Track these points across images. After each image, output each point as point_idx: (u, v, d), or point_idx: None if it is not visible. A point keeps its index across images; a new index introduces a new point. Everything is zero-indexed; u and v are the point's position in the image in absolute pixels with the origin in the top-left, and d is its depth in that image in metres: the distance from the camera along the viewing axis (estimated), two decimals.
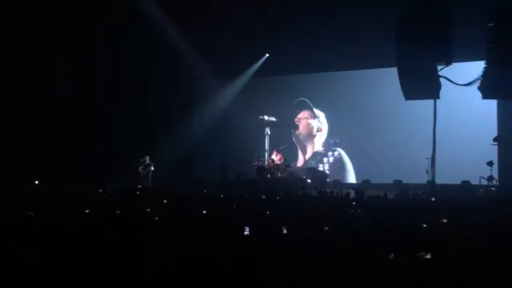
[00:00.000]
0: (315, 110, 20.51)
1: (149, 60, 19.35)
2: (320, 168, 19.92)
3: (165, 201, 8.85)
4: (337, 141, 20.05)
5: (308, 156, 20.79)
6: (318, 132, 20.58)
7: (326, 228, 4.61)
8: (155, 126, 19.93)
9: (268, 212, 6.47)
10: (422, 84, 11.97)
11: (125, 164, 18.33)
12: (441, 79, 11.87)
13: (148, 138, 19.41)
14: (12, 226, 5.20)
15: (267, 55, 20.36)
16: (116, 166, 18.05)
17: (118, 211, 6.67)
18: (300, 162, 20.80)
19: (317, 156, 20.58)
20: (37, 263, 3.47)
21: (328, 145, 20.36)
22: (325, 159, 20.31)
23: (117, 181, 15.92)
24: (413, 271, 3.37)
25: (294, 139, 20.81)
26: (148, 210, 6.83)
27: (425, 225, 4.88)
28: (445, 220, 5.36)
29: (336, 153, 20.10)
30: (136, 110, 19.98)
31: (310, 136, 20.76)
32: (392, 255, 3.73)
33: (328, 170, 19.85)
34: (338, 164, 20.05)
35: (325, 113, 20.44)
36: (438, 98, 12.46)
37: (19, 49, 17.53)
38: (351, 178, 19.64)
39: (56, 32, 17.93)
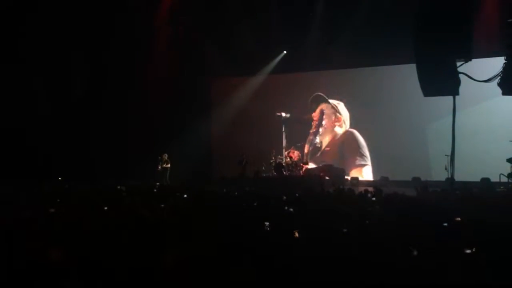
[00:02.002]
0: (331, 101, 20.43)
1: (167, 58, 19.44)
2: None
3: (185, 196, 8.89)
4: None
5: (324, 145, 20.68)
6: (337, 123, 20.47)
7: (345, 230, 4.58)
8: (173, 124, 20.04)
9: (287, 208, 6.47)
10: (441, 81, 11.84)
11: (144, 162, 18.45)
12: (460, 75, 11.75)
13: (166, 136, 19.53)
14: (35, 223, 5.26)
15: (285, 52, 20.35)
16: (135, 164, 18.20)
17: (136, 209, 6.71)
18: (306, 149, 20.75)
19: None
20: (60, 261, 3.50)
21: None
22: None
23: (135, 179, 16.02)
24: (435, 270, 3.34)
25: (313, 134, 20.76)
26: (164, 208, 6.86)
27: (445, 224, 4.83)
28: (458, 219, 5.31)
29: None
30: (155, 108, 20.12)
31: (330, 130, 20.66)
32: (415, 253, 3.71)
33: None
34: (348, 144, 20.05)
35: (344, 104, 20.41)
36: (458, 94, 12.30)
37: (36, 49, 17.75)
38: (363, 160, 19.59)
39: (72, 31, 18.10)
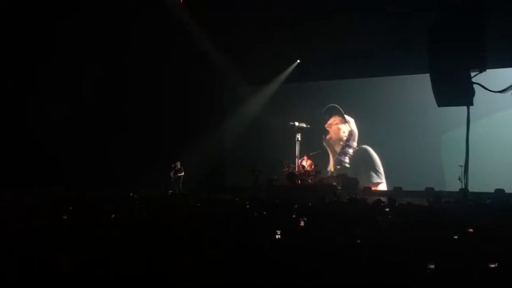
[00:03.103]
0: (345, 116, 20.43)
1: (181, 67, 19.55)
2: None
3: (198, 205, 8.93)
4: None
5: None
6: (350, 136, 20.46)
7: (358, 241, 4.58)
8: (186, 132, 20.12)
9: (300, 220, 6.47)
10: (455, 91, 11.78)
11: (156, 169, 18.53)
12: (475, 86, 11.69)
13: (179, 144, 19.60)
14: (48, 230, 5.31)
15: (298, 61, 20.38)
16: (148, 172, 18.28)
17: (148, 216, 6.76)
18: (331, 167, 20.71)
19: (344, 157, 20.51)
20: (70, 267, 3.54)
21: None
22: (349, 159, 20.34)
23: (148, 187, 16.09)
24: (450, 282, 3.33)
25: (325, 144, 20.73)
26: (177, 215, 6.89)
27: (456, 237, 4.80)
28: (471, 230, 5.28)
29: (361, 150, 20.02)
30: (168, 116, 20.25)
31: (341, 141, 20.65)
32: (432, 266, 3.69)
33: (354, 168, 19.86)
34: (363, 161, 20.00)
35: (355, 119, 20.33)
36: (472, 105, 12.24)
37: (47, 54, 17.97)
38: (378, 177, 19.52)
39: (85, 36, 18.28)
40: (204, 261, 3.49)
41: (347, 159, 20.42)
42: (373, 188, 18.91)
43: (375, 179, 19.53)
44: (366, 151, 19.97)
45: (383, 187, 19.23)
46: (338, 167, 20.47)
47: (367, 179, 19.53)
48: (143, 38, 18.67)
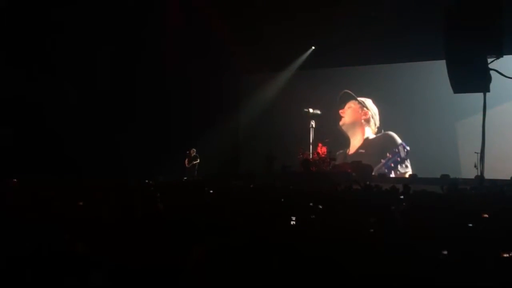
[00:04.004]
0: (359, 99, 20.33)
1: (195, 54, 19.56)
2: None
3: (211, 192, 8.97)
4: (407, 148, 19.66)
5: (358, 144, 20.58)
6: (364, 117, 20.37)
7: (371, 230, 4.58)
8: (201, 119, 20.17)
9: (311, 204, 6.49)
10: (471, 77, 11.67)
11: (172, 157, 18.62)
12: (491, 72, 11.58)
13: (194, 132, 19.67)
14: (65, 216, 5.38)
15: (313, 48, 20.30)
16: (164, 160, 18.38)
17: (165, 203, 6.80)
18: (351, 151, 20.62)
19: (370, 146, 20.34)
20: (86, 253, 3.59)
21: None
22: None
23: (164, 174, 16.18)
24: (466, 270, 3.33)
25: (341, 130, 20.68)
26: (193, 202, 6.94)
27: (470, 224, 4.78)
28: (486, 215, 5.26)
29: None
30: (182, 103, 20.29)
31: (358, 124, 20.56)
32: (445, 253, 3.69)
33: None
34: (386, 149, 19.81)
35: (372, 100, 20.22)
36: (488, 91, 12.12)
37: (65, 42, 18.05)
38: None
39: (100, 23, 18.34)
40: (220, 249, 3.52)
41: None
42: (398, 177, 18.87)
43: (403, 169, 19.42)
44: (391, 137, 19.83)
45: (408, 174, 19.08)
46: (363, 151, 20.31)
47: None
48: (157, 25, 18.68)
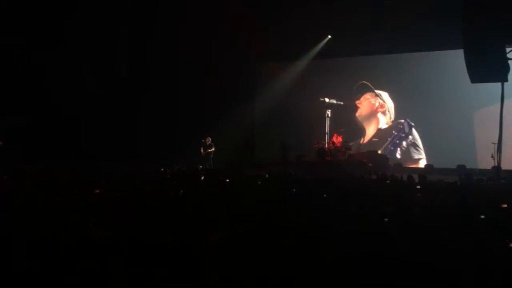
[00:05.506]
0: (376, 91, 20.21)
1: (211, 43, 19.58)
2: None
3: (227, 180, 9.02)
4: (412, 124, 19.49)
5: (371, 134, 20.49)
6: (381, 109, 20.25)
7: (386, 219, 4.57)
8: (217, 108, 20.20)
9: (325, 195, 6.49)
10: (489, 67, 11.58)
11: (187, 145, 18.71)
12: (510, 62, 11.47)
13: (210, 120, 19.72)
14: (82, 204, 5.44)
15: (329, 37, 20.17)
16: (178, 147, 18.48)
17: (181, 190, 6.85)
18: (365, 140, 20.52)
19: (383, 134, 20.26)
20: (104, 239, 3.63)
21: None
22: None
23: (179, 162, 16.27)
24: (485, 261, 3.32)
25: (356, 120, 20.58)
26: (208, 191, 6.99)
27: (483, 216, 4.75)
28: (505, 205, 5.23)
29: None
30: (198, 92, 20.35)
31: (373, 114, 20.44)
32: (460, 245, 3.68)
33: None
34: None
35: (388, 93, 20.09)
36: (507, 81, 12.03)
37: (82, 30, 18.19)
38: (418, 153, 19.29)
39: (118, 12, 18.43)
40: (236, 236, 3.54)
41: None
42: (413, 165, 18.79)
43: (417, 155, 19.32)
44: (400, 121, 19.70)
45: (423, 163, 18.96)
46: (376, 139, 20.20)
47: (407, 155, 19.41)
48: (173, 13, 18.72)
